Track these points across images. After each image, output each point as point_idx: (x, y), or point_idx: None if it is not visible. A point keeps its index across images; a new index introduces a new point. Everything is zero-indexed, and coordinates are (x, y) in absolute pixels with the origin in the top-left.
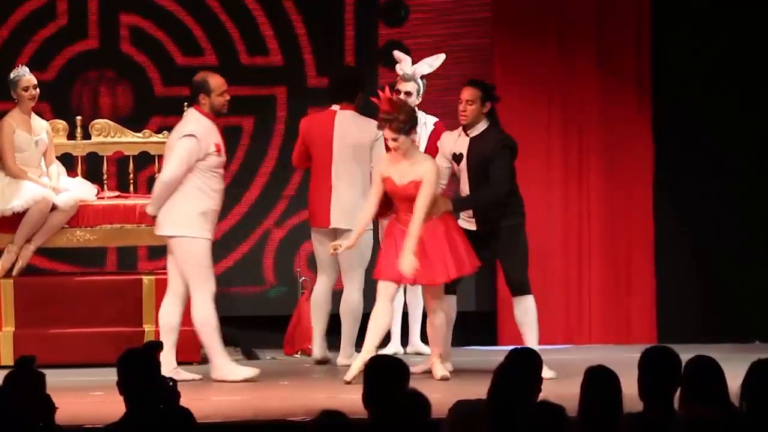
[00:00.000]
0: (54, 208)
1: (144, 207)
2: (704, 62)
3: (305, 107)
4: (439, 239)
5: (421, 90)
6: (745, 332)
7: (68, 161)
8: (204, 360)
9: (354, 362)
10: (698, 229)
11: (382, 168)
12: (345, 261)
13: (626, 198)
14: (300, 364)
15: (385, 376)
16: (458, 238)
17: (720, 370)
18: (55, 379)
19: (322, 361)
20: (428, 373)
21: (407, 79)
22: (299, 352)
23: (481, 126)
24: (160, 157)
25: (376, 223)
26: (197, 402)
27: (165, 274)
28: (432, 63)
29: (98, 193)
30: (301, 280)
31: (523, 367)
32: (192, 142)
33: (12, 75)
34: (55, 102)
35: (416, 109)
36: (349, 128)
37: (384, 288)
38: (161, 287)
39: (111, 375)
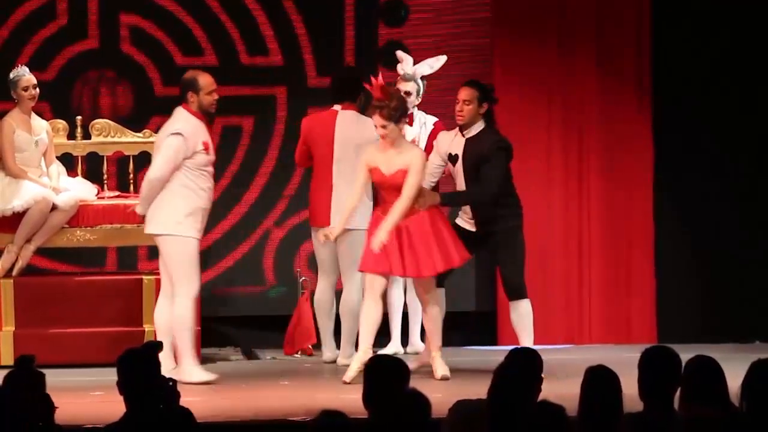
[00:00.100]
0: (54, 208)
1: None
2: (704, 62)
3: (305, 107)
4: (426, 233)
5: (421, 90)
6: (745, 332)
7: (68, 161)
8: (204, 360)
9: (352, 363)
10: (698, 229)
11: (368, 157)
12: (345, 261)
13: (626, 198)
14: (300, 364)
15: (385, 376)
16: (445, 231)
17: (720, 370)
18: (55, 379)
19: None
20: (425, 367)
21: (407, 79)
22: (299, 352)
23: (478, 127)
24: None
25: None
26: (197, 402)
27: None
28: (433, 64)
29: (98, 193)
30: (301, 280)
31: (523, 367)
32: (179, 141)
33: (12, 75)
34: (55, 102)
35: (416, 108)
36: (350, 128)
37: (370, 282)
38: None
39: (111, 375)
